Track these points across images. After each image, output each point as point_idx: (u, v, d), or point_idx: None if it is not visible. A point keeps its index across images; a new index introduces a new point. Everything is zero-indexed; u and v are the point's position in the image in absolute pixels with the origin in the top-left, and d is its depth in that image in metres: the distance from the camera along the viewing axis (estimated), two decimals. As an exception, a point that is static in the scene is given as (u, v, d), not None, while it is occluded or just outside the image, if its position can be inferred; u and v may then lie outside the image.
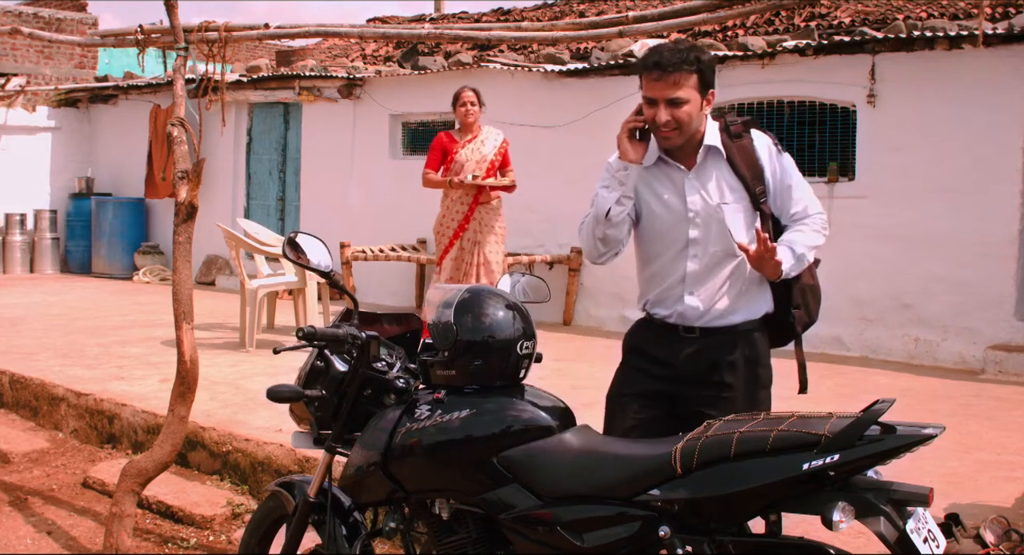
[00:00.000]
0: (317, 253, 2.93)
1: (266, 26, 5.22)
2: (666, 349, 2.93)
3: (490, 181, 6.75)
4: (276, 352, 2.83)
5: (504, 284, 2.98)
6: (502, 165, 6.93)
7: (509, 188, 6.91)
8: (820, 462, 2.08)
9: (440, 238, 6.92)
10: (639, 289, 3.05)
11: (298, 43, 15.27)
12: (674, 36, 10.18)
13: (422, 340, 2.91)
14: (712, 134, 2.88)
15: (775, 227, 2.93)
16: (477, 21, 13.92)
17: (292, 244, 2.92)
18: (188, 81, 4.94)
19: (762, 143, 2.91)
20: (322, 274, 2.91)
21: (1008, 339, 6.99)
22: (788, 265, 2.80)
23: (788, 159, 2.93)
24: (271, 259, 8.37)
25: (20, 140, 13.21)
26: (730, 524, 2.28)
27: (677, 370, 2.90)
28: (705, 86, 2.80)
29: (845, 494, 2.10)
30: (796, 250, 2.82)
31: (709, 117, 2.91)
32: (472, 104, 6.80)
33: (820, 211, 2.93)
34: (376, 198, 10.64)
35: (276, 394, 2.76)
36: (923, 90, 7.35)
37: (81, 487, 5.12)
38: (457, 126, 7.03)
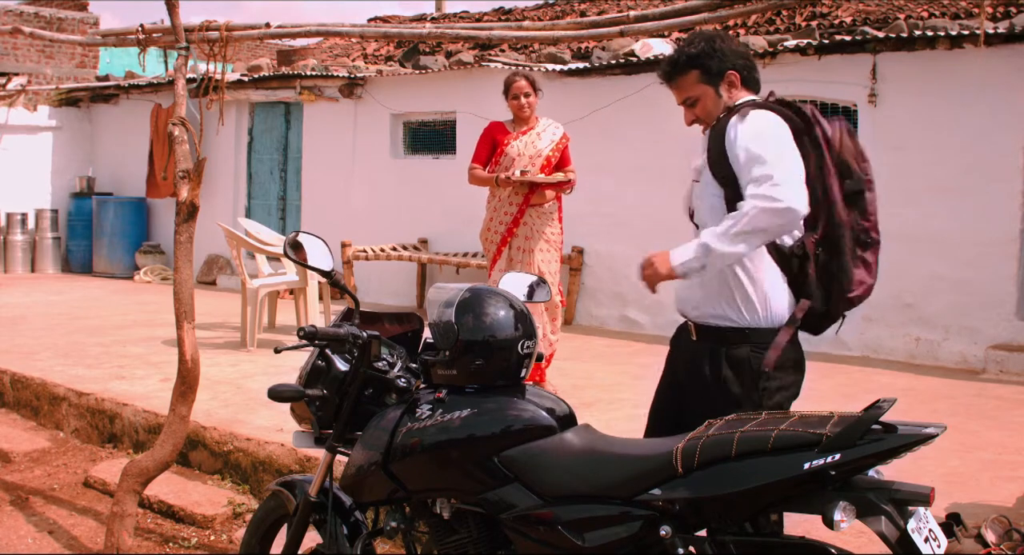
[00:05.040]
0: (318, 253, 2.93)
1: (267, 25, 5.22)
2: (677, 357, 2.93)
3: (541, 177, 5.69)
4: (277, 351, 2.83)
5: (507, 283, 2.98)
6: (560, 164, 5.85)
7: (563, 186, 5.84)
8: (821, 461, 2.08)
9: (487, 245, 5.92)
10: None
11: (299, 42, 15.30)
12: (675, 36, 10.19)
13: (423, 339, 2.91)
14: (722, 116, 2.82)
15: None
16: (478, 20, 13.92)
17: (293, 244, 2.92)
18: (189, 80, 4.94)
19: (733, 120, 2.72)
20: (323, 274, 2.90)
21: (1009, 339, 6.98)
22: (682, 259, 2.61)
23: (745, 125, 2.68)
24: (272, 258, 8.37)
25: (21, 139, 13.21)
26: (731, 523, 2.28)
27: (682, 382, 2.89)
28: (712, 74, 2.80)
29: (846, 494, 2.10)
30: (704, 241, 2.59)
31: (746, 96, 2.84)
32: (527, 95, 5.73)
33: (766, 179, 2.55)
34: (377, 198, 10.65)
35: (277, 394, 2.76)
36: (924, 90, 7.35)
37: (82, 486, 5.12)
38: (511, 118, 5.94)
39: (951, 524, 2.20)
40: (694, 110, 2.85)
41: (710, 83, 2.82)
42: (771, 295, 2.75)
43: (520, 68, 8.77)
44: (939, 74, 7.27)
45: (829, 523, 2.08)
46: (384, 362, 2.79)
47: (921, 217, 7.31)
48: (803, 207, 2.55)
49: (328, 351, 2.85)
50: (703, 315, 2.81)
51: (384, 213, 10.49)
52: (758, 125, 2.67)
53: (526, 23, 8.84)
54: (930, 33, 7.24)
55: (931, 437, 2.09)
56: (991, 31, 6.88)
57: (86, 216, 13.08)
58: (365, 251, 9.45)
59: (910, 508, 2.09)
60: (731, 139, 2.69)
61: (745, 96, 2.84)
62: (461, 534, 2.61)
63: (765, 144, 2.62)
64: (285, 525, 3.07)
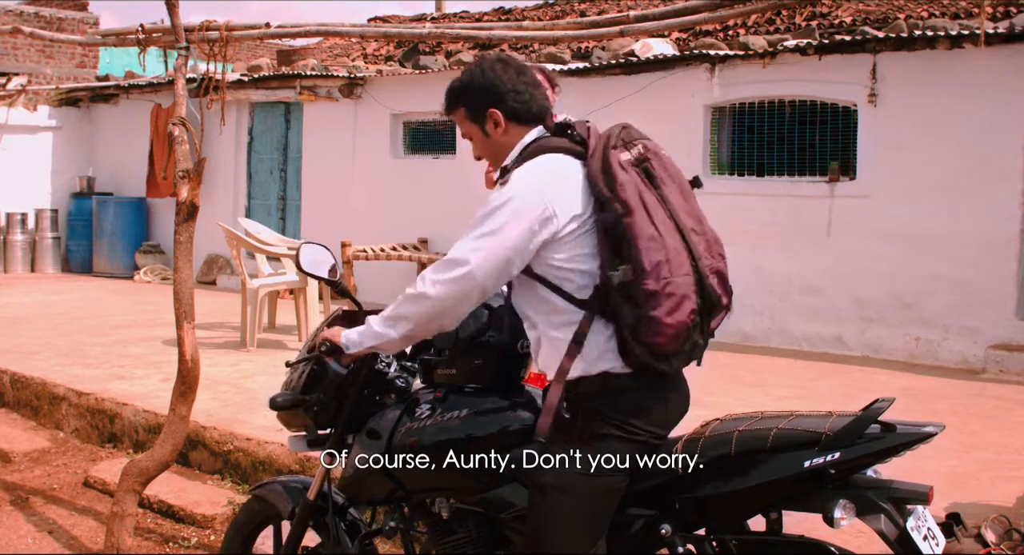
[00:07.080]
0: (326, 262, 2.95)
1: (267, 25, 5.21)
2: None
3: None
4: (288, 365, 2.86)
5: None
6: None
7: None
8: (821, 460, 2.09)
9: None
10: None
11: (299, 42, 15.29)
12: (675, 36, 10.19)
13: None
14: None
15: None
16: (478, 20, 13.92)
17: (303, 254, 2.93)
18: (189, 80, 4.93)
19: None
20: (330, 283, 2.92)
21: (1009, 338, 6.98)
22: (349, 339, 2.45)
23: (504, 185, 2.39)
24: (272, 258, 8.37)
25: (21, 139, 13.22)
26: (731, 522, 2.28)
27: None
28: (475, 112, 2.49)
29: (846, 492, 2.10)
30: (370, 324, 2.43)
31: (520, 146, 2.51)
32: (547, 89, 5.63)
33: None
34: (377, 197, 10.65)
35: (279, 405, 2.78)
36: (924, 89, 7.35)
37: (82, 486, 5.12)
38: None
39: (951, 524, 2.21)
40: (474, 146, 2.57)
41: (475, 122, 2.50)
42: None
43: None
44: (939, 74, 7.27)
45: (829, 521, 2.09)
46: (383, 362, 2.80)
47: (921, 216, 7.31)
48: (439, 299, 2.26)
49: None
50: None
51: (384, 213, 10.49)
52: (507, 189, 2.33)
53: (526, 23, 8.84)
54: (930, 33, 7.24)
55: (930, 436, 2.09)
56: (991, 31, 6.88)
57: (86, 216, 13.08)
58: (365, 251, 9.44)
59: (909, 507, 2.09)
60: None
61: (524, 132, 2.52)
62: (460, 534, 2.61)
63: (482, 216, 2.30)
64: (272, 527, 3.08)
